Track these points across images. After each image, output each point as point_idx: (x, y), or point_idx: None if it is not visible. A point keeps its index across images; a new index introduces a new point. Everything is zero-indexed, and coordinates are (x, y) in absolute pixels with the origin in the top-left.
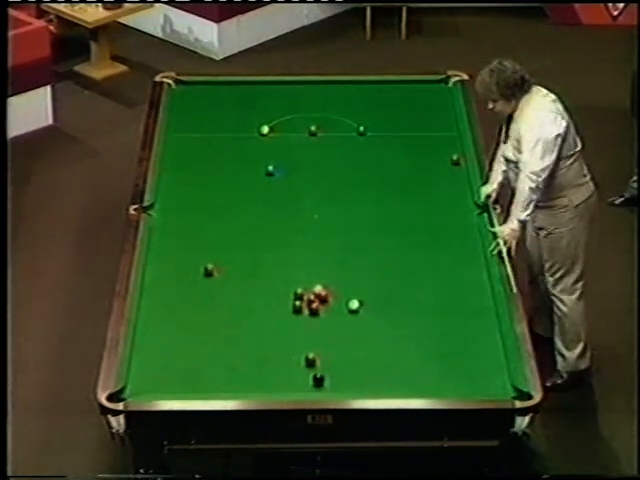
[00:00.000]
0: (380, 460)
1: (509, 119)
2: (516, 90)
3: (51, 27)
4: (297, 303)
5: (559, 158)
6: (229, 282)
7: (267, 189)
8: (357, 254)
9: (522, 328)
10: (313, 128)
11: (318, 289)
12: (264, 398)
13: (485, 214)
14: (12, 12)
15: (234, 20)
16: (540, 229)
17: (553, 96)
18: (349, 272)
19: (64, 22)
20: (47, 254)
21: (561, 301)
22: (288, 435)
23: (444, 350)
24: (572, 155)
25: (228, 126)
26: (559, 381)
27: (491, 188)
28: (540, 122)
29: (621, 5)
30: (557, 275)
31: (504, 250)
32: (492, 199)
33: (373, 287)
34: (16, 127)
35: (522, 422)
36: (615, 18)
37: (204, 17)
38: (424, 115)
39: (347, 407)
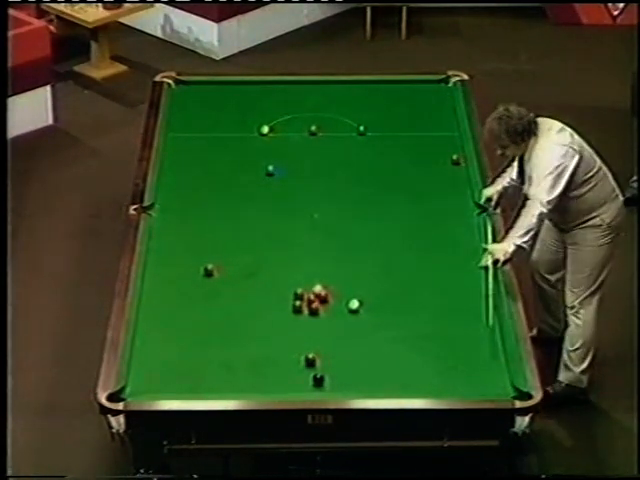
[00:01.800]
0: (380, 460)
1: (521, 160)
2: (525, 135)
3: (51, 27)
4: (297, 303)
5: (578, 184)
6: (229, 282)
7: (267, 189)
8: (357, 254)
9: (522, 328)
10: (313, 128)
11: (318, 289)
12: (264, 398)
13: (484, 214)
14: (12, 12)
15: (234, 20)
16: (572, 244)
17: (559, 125)
18: (349, 272)
19: (64, 22)
20: (47, 254)
21: (577, 314)
22: (288, 435)
23: (444, 350)
24: (591, 177)
25: (228, 126)
26: (551, 391)
27: (493, 190)
28: (550, 156)
29: (621, 5)
30: (579, 288)
31: (491, 268)
32: (493, 202)
33: (373, 287)
34: (16, 127)
35: (522, 422)
36: (615, 18)
37: (204, 17)
38: (424, 115)
39: (347, 407)
